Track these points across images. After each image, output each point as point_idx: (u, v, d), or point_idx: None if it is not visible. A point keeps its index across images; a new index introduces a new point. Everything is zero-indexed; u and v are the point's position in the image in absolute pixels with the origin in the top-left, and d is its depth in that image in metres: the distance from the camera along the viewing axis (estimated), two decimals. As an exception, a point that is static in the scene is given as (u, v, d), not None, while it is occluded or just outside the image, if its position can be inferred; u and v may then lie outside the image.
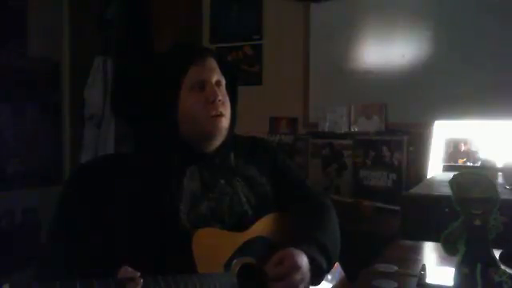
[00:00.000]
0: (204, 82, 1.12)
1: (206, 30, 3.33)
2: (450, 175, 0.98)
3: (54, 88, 3.32)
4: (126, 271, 0.83)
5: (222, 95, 1.14)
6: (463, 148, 2.48)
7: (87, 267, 0.94)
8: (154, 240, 1.01)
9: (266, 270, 1.04)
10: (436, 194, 1.83)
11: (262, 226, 1.15)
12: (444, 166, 2.42)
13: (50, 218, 1.06)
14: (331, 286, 1.25)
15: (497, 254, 0.98)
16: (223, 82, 1.17)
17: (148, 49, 3.08)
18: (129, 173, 1.08)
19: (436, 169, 2.48)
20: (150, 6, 3.22)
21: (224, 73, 1.17)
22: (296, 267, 1.02)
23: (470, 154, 2.45)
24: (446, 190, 1.02)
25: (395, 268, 1.24)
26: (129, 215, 1.01)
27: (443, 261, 1.26)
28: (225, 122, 1.14)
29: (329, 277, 1.20)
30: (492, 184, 0.95)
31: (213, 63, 1.15)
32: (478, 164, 2.35)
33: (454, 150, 2.49)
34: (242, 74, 3.12)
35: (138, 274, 0.83)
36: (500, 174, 2.06)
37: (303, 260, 1.04)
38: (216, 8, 3.30)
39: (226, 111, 1.15)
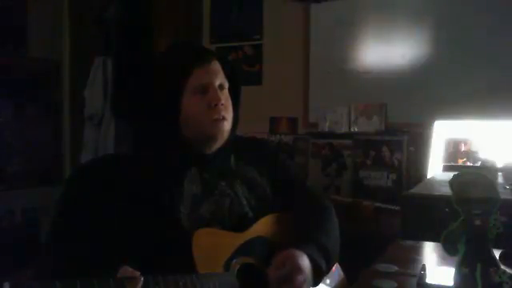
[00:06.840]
0: (207, 85, 1.11)
1: (206, 30, 3.33)
2: (450, 175, 0.98)
3: (54, 88, 3.33)
4: (126, 271, 0.83)
5: (225, 99, 1.13)
6: (463, 148, 2.47)
7: (87, 267, 0.94)
8: (154, 240, 1.01)
9: (268, 273, 1.03)
10: (436, 193, 1.83)
11: (261, 227, 1.15)
12: (444, 166, 2.42)
13: (50, 218, 1.06)
14: None
15: (497, 254, 0.98)
16: (226, 85, 1.15)
17: (148, 49, 3.08)
18: (129, 173, 1.07)
19: (436, 169, 2.48)
20: (150, 6, 3.22)
21: (227, 75, 1.17)
22: (299, 269, 1.01)
23: (469, 154, 2.44)
24: (446, 190, 1.02)
25: (395, 268, 1.24)
26: (129, 215, 1.01)
27: (443, 261, 1.26)
28: (227, 126, 1.14)
29: (327, 280, 1.19)
30: (492, 184, 0.95)
31: (216, 66, 1.14)
32: (478, 164, 2.35)
33: (454, 150, 2.49)
34: (242, 74, 3.12)
35: (138, 273, 0.83)
36: (500, 173, 2.06)
37: (305, 261, 1.04)
38: (216, 8, 3.30)
39: (229, 115, 1.14)
